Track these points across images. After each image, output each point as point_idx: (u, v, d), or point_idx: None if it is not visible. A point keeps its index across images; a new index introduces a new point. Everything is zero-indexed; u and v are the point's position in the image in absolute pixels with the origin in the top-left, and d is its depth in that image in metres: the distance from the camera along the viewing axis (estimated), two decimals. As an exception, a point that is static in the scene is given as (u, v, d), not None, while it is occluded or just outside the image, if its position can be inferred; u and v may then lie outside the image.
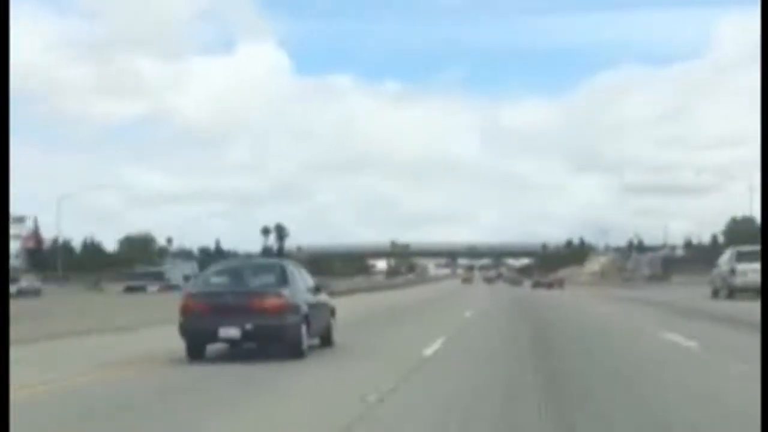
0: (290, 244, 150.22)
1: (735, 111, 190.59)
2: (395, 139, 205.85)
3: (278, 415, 7.77)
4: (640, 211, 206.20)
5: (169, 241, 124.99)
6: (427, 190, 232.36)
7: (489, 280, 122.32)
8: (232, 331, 12.29)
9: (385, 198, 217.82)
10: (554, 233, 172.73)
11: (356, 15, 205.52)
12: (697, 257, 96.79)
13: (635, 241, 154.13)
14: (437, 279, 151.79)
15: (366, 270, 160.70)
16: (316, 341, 13.82)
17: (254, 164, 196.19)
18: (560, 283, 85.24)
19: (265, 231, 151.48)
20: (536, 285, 75.59)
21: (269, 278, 13.21)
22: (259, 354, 12.67)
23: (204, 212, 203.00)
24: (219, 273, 14.16)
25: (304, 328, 12.69)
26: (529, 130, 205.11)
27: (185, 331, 12.60)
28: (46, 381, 10.41)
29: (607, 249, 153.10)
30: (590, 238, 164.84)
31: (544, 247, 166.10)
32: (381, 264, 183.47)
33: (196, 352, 12.68)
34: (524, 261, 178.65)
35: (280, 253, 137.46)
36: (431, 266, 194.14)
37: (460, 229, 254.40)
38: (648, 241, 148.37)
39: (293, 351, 12.42)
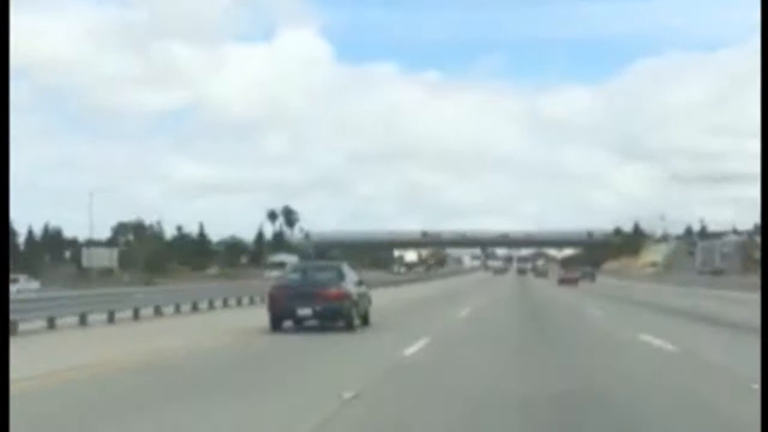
0: (304, 229, 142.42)
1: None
2: (435, 129, 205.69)
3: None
4: (687, 200, 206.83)
5: (179, 229, 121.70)
6: (468, 181, 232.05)
7: (521, 272, 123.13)
8: (305, 311, 18.50)
9: (425, 189, 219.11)
10: (599, 224, 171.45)
11: (397, 2, 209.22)
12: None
13: (695, 227, 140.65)
14: (460, 273, 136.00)
15: (384, 262, 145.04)
16: (358, 321, 20.03)
17: (293, 154, 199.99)
18: (591, 276, 79.69)
19: (272, 215, 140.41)
20: (562, 282, 67.84)
21: (331, 275, 19.43)
22: (318, 329, 18.99)
23: (238, 202, 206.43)
24: (295, 271, 20.57)
25: (354, 310, 19.04)
26: (571, 119, 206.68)
27: (272, 310, 18.81)
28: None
29: (666, 237, 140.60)
30: (643, 226, 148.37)
31: (590, 235, 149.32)
32: (411, 255, 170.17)
33: (277, 325, 18.89)
34: (568, 251, 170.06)
35: (279, 239, 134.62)
36: (467, 258, 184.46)
37: (500, 221, 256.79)
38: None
39: (348, 325, 18.86)
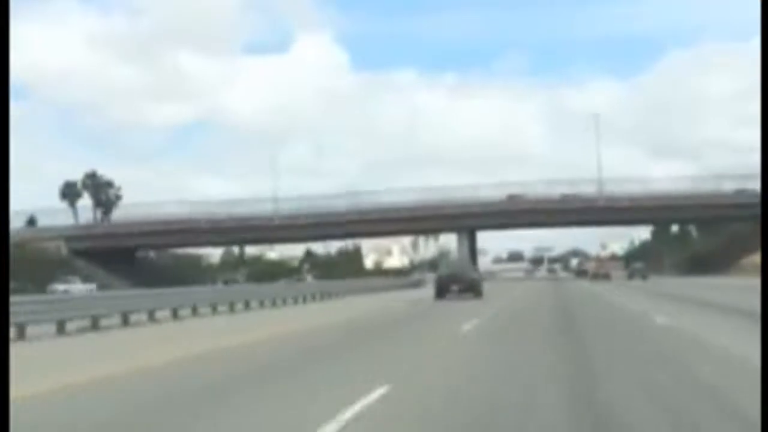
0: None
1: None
2: (457, 132, 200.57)
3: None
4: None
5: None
6: (494, 184, 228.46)
7: (551, 271, 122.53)
8: (456, 287, 37.36)
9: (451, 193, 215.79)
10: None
11: (413, 5, 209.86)
12: None
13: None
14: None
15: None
16: (478, 292, 38.58)
17: (313, 164, 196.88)
18: (643, 274, 75.68)
19: (69, 192, 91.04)
20: (594, 278, 73.04)
21: (469, 266, 38.67)
22: (460, 298, 37.22)
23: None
24: (447, 265, 39.72)
25: (479, 286, 37.71)
26: (600, 117, 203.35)
27: (437, 286, 37.64)
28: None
29: None
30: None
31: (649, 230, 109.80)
32: (393, 260, 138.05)
33: (440, 295, 37.70)
34: (613, 248, 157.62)
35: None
36: (487, 261, 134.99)
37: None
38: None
39: (477, 295, 37.67)
